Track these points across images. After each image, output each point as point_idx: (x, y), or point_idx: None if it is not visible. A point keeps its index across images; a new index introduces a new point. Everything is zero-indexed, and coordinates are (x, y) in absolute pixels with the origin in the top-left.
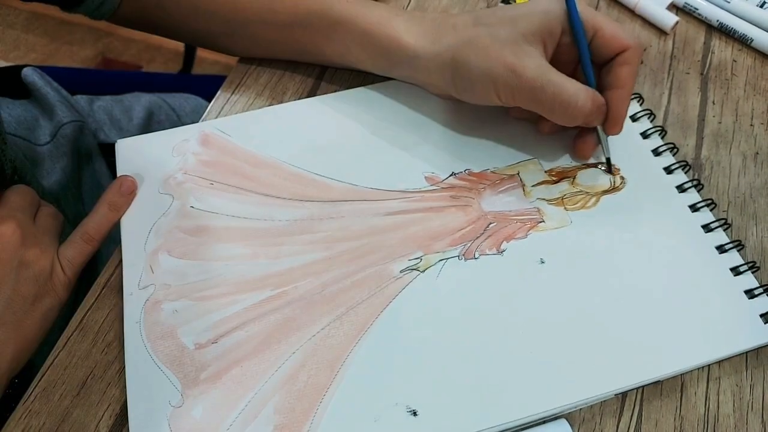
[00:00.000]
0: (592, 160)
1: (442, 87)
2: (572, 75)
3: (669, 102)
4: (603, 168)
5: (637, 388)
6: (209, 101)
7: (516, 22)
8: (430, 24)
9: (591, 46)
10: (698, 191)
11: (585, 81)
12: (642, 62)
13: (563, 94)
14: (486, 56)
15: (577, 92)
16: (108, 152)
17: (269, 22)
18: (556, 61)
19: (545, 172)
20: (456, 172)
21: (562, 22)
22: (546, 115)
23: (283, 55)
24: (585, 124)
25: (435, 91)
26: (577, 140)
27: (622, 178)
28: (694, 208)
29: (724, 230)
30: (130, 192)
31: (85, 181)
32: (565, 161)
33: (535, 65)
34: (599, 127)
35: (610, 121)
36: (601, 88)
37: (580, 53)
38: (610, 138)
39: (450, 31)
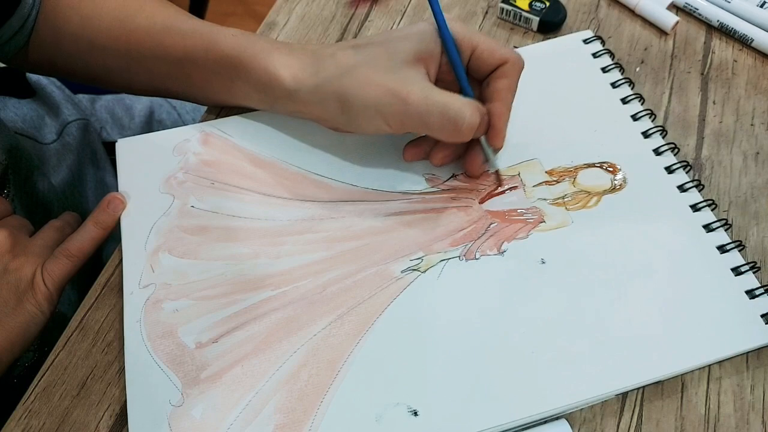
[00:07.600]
0: (593, 161)
1: (328, 120)
2: (459, 92)
3: (670, 102)
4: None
5: (638, 389)
6: None
7: (395, 46)
8: (309, 56)
9: (471, 63)
10: (699, 191)
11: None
12: (642, 62)
13: (449, 113)
14: (369, 86)
15: (462, 107)
16: (111, 150)
17: (162, 57)
18: (441, 81)
19: (546, 172)
20: (457, 173)
21: (440, 42)
22: (436, 136)
23: (180, 91)
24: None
25: (324, 125)
26: (467, 158)
27: (623, 177)
28: (695, 207)
29: (725, 230)
30: (117, 210)
31: (90, 179)
32: (566, 161)
33: (419, 89)
34: (484, 143)
35: (490, 134)
36: (482, 102)
37: (453, 68)
38: (610, 137)
39: (329, 62)
